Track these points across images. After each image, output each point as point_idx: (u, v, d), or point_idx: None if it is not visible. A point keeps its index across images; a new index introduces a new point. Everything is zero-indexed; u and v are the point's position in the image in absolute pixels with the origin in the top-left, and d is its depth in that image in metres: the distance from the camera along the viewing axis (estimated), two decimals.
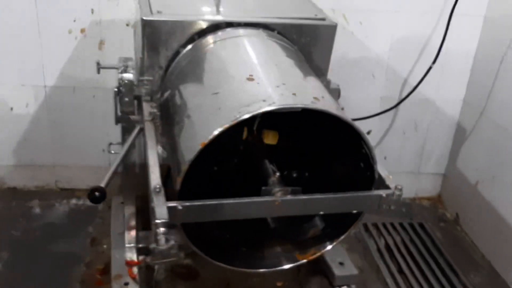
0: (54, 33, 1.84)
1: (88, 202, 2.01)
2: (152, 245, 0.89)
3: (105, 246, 1.64)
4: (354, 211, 1.09)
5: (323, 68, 1.37)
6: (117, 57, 1.83)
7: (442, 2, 1.92)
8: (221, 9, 1.36)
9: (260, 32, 1.27)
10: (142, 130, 1.19)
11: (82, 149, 2.05)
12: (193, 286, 1.51)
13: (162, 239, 0.90)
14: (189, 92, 1.13)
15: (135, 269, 1.39)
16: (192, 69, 1.19)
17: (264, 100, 0.95)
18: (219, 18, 1.28)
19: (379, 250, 1.90)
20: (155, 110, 1.19)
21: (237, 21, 1.28)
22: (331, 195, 1.03)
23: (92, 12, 1.84)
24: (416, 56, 2.02)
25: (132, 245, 1.51)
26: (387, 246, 1.93)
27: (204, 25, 1.26)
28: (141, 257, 1.41)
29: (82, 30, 1.86)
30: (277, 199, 1.01)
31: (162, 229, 0.91)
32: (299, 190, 1.03)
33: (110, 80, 1.92)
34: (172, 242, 0.90)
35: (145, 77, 1.28)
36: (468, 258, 1.90)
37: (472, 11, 1.94)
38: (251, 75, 1.05)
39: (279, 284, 1.50)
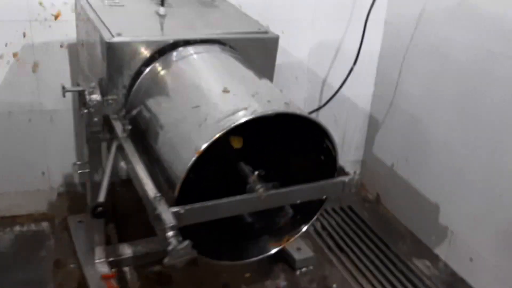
0: None
1: (32, 227, 2.00)
2: (170, 247, 0.97)
3: (72, 266, 1.65)
4: (323, 197, 1.27)
5: (270, 76, 1.54)
6: (52, 79, 1.88)
7: (349, 11, 2.19)
8: (173, 27, 1.47)
9: (216, 48, 1.40)
10: (119, 146, 1.26)
11: (21, 174, 2.02)
12: None
13: (173, 241, 1.00)
14: (165, 108, 1.23)
15: (113, 281, 1.45)
16: (162, 86, 1.29)
17: (245, 109, 1.09)
18: (177, 36, 1.39)
19: (317, 232, 2.10)
20: (129, 127, 1.27)
21: (193, 38, 1.40)
22: (306, 185, 1.19)
23: (24, 36, 1.83)
24: (331, 59, 2.27)
25: (102, 259, 1.56)
26: (324, 228, 2.14)
27: (163, 44, 1.36)
28: (113, 270, 1.47)
29: (15, 54, 1.84)
30: (262, 194, 1.15)
31: (171, 233, 1.01)
32: (277, 185, 1.19)
33: (46, 102, 1.93)
34: (186, 242, 0.99)
35: (110, 97, 1.35)
36: (393, 231, 2.18)
37: (373, 17, 2.23)
38: (226, 88, 1.18)
39: (247, 275, 1.64)
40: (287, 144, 1.34)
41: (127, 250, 1.62)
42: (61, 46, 1.88)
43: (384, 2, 2.20)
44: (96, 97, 1.31)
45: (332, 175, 1.27)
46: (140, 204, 1.12)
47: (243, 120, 1.06)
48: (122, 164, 1.48)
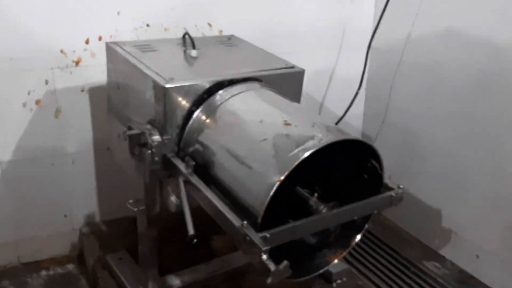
0: (8, 110, 1.83)
1: (59, 270, 2.02)
2: (272, 268, 1.07)
3: None
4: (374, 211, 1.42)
5: None
6: (74, 123, 1.94)
7: (339, 41, 2.39)
8: (213, 69, 1.59)
9: (256, 85, 1.53)
10: (186, 182, 1.36)
11: (44, 218, 2.04)
12: None
13: (270, 263, 1.11)
14: (232, 142, 1.34)
15: None
16: (220, 123, 1.40)
17: (312, 139, 1.23)
18: (220, 77, 1.51)
19: None
20: (193, 163, 1.37)
21: (236, 78, 1.52)
22: (362, 202, 1.33)
23: (46, 83, 1.88)
24: (326, 84, 2.46)
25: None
26: None
27: (211, 84, 1.48)
28: None
29: (38, 102, 1.89)
30: (329, 214, 1.28)
31: (265, 256, 1.12)
32: (337, 204, 1.32)
33: (68, 146, 1.98)
34: (285, 262, 1.11)
35: (165, 137, 1.45)
36: (400, 238, 2.36)
37: (359, 44, 2.44)
38: (286, 121, 1.32)
39: None
40: (332, 165, 1.47)
41: (175, 281, 1.69)
42: (82, 90, 1.95)
43: (369, 29, 2.41)
44: (157, 137, 1.40)
45: (374, 192, 1.42)
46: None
47: (314, 149, 1.19)
48: (172, 198, 1.58)
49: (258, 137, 1.30)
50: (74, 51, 1.89)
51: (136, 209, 1.52)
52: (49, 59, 1.85)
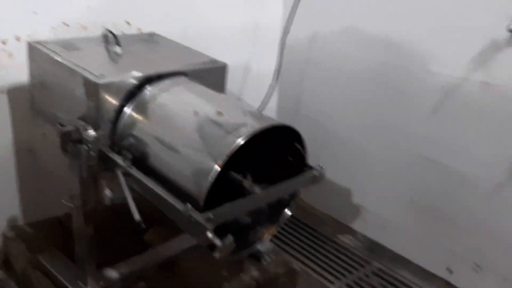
0: None
1: None
2: (219, 244, 1.17)
3: None
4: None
5: None
6: None
7: (252, 38, 2.54)
8: (140, 65, 1.65)
9: (184, 79, 1.62)
10: (125, 174, 1.42)
11: None
12: None
13: (216, 239, 1.22)
14: (168, 133, 1.43)
15: None
16: (153, 117, 1.48)
17: (245, 126, 1.36)
18: (149, 72, 1.58)
19: None
20: (130, 156, 1.44)
21: (164, 72, 1.60)
22: (290, 181, 1.49)
23: None
24: (242, 79, 2.60)
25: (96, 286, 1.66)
26: None
27: (140, 80, 1.55)
28: None
29: None
30: (261, 193, 1.42)
31: (210, 234, 1.23)
32: (266, 186, 1.47)
33: None
34: (230, 238, 1.22)
35: (100, 132, 1.49)
36: (314, 217, 2.57)
37: (270, 41, 2.62)
38: (218, 111, 1.43)
39: (225, 274, 1.86)
40: (260, 150, 1.61)
41: (112, 274, 1.73)
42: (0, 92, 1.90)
43: (279, 27, 2.60)
44: (92, 133, 1.45)
45: (299, 172, 1.58)
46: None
47: (249, 135, 1.32)
48: (107, 192, 1.62)
49: (193, 127, 1.40)
50: None
51: (73, 205, 1.54)
52: None
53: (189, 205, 1.27)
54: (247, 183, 1.48)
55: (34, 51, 1.69)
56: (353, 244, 2.37)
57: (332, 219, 2.55)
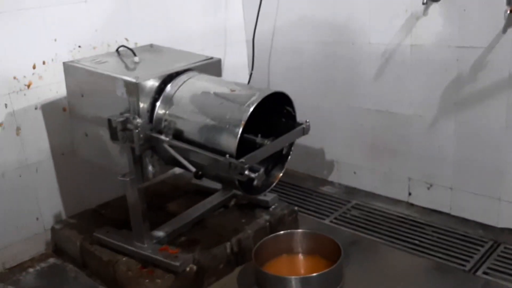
0: None
1: (44, 265, 2.37)
2: (255, 175, 1.69)
3: (124, 259, 2.13)
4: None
5: None
6: (32, 136, 2.31)
7: (223, 38, 3.06)
8: (159, 67, 2.13)
9: (195, 73, 2.12)
10: (171, 146, 1.90)
11: (19, 224, 2.35)
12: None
13: (252, 173, 1.74)
14: (198, 111, 1.92)
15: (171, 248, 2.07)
16: (182, 101, 1.97)
17: (254, 95, 1.88)
18: (169, 72, 2.06)
19: None
20: (171, 132, 1.92)
21: (179, 70, 2.09)
22: (288, 133, 2.02)
23: (6, 107, 2.22)
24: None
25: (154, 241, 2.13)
26: None
27: (164, 77, 2.03)
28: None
29: (0, 124, 2.22)
30: (271, 144, 1.95)
31: (247, 171, 1.74)
32: (273, 138, 2.00)
33: (30, 157, 2.34)
34: (262, 169, 1.74)
35: (141, 120, 1.96)
36: (295, 177, 3.12)
37: (238, 39, 3.14)
38: (232, 89, 1.94)
39: (243, 221, 2.36)
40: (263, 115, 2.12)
41: (159, 233, 2.20)
42: (35, 108, 2.32)
43: (242, 25, 3.13)
44: (140, 120, 1.92)
45: (291, 128, 2.12)
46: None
47: (259, 100, 1.84)
48: (150, 168, 2.09)
49: (216, 103, 1.91)
50: (25, 76, 2.26)
51: (128, 179, 2.00)
52: (6, 86, 2.20)
53: (227, 156, 1.78)
54: (259, 139, 2.01)
55: (70, 68, 2.12)
56: (333, 192, 2.94)
57: (312, 177, 3.11)
